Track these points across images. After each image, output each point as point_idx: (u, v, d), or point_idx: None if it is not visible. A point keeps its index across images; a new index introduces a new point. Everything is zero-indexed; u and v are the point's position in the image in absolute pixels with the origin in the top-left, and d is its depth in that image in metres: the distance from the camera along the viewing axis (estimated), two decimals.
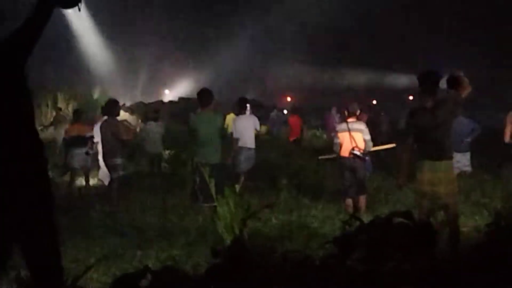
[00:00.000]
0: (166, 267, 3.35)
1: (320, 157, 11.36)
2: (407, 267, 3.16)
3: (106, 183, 11.44)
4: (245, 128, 12.01)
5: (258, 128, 12.57)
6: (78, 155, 12.92)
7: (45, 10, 3.86)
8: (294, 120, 20.55)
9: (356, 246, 3.26)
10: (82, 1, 4.11)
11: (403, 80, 38.30)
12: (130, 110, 23.46)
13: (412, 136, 6.96)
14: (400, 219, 3.36)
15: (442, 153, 6.69)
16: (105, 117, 11.42)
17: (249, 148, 12.07)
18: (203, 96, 9.29)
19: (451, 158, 6.85)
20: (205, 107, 9.25)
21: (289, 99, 43.62)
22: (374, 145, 10.65)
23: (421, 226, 3.30)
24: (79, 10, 4.13)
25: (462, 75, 6.83)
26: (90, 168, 13.61)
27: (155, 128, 15.60)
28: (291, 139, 20.18)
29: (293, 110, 21.92)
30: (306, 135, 23.36)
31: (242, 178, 11.73)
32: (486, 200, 10.76)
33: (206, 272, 3.47)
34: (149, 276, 3.22)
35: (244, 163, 11.98)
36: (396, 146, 11.43)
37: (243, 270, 3.43)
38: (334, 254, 3.41)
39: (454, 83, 6.71)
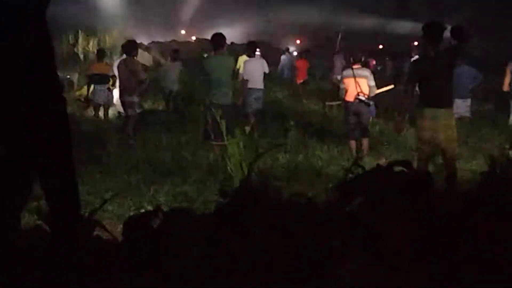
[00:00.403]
0: (176, 208, 3.34)
1: (327, 103, 11.30)
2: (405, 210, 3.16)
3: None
4: (255, 70, 12.02)
5: (267, 70, 12.55)
6: (101, 91, 13.11)
7: None
8: (301, 63, 20.63)
9: (356, 194, 3.25)
10: None
11: (408, 26, 37.66)
12: (148, 49, 23.22)
13: (414, 83, 6.91)
14: (399, 168, 3.34)
15: (443, 101, 6.69)
16: (124, 56, 11.39)
17: (259, 89, 12.13)
18: (216, 40, 9.25)
19: (451, 105, 6.83)
20: (217, 50, 9.21)
21: (298, 41, 43.11)
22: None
23: (419, 174, 3.29)
24: None
25: (462, 26, 6.76)
26: (111, 103, 13.79)
27: (173, 67, 15.66)
28: (299, 81, 20.11)
29: (300, 53, 21.89)
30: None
31: (253, 119, 11.77)
32: (482, 144, 10.77)
33: (214, 212, 3.47)
34: (160, 215, 3.22)
35: (254, 103, 12.03)
36: (399, 91, 11.35)
37: (249, 212, 3.44)
38: (336, 199, 3.41)
39: (457, 34, 6.62)
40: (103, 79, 13.08)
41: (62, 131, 3.81)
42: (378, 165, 3.40)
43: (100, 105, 13.70)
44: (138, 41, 14.29)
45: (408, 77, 7.05)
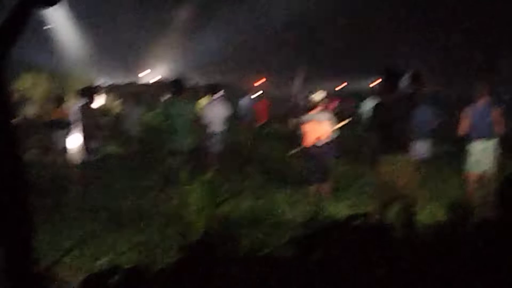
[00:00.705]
0: (133, 268, 3.30)
1: (290, 153, 11.33)
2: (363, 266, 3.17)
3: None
4: (216, 113, 12.01)
5: (228, 114, 12.56)
6: (61, 137, 12.86)
7: (26, 10, 3.76)
8: (260, 105, 20.75)
9: (315, 248, 3.26)
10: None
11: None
12: (107, 92, 23.23)
13: (373, 129, 6.99)
14: (358, 222, 3.37)
15: (401, 147, 6.75)
16: (82, 102, 11.34)
17: (219, 132, 12.09)
18: (175, 85, 9.28)
19: (409, 152, 6.91)
20: (177, 95, 9.22)
21: (259, 82, 43.53)
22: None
23: (378, 228, 3.31)
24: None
25: (419, 72, 6.91)
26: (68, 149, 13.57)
27: (134, 111, 15.68)
28: (258, 124, 20.25)
29: (260, 95, 22.05)
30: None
31: (215, 162, 11.78)
32: (442, 185, 10.92)
33: (172, 267, 3.45)
34: (118, 274, 3.18)
35: (214, 147, 12.00)
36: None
37: (208, 268, 3.42)
38: (295, 254, 3.41)
39: (415, 79, 6.76)
40: (62, 124, 12.82)
41: (19, 190, 3.77)
42: (336, 220, 3.42)
43: (59, 150, 13.34)
44: (97, 83, 14.25)
45: (368, 123, 7.15)
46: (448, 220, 7.08)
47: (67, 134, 12.55)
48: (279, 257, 3.70)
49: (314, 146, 9.92)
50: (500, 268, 3.18)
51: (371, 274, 3.15)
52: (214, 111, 11.98)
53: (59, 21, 32.10)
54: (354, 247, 3.20)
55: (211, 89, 12.63)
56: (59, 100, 13.91)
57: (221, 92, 13.05)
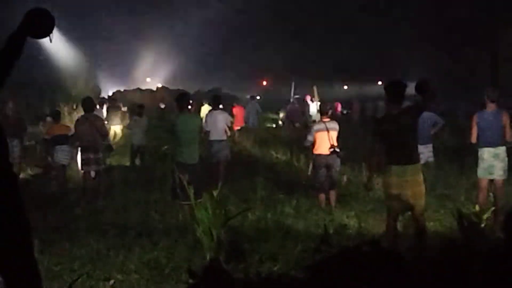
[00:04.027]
0: None
1: (309, 173, 11.38)
2: None
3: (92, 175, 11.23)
4: (217, 122, 12.31)
5: (229, 123, 12.87)
6: (62, 152, 12.68)
7: (19, 41, 3.83)
8: (237, 110, 21.80)
9: (326, 275, 3.27)
10: (53, 32, 4.10)
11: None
12: (114, 101, 23.33)
13: (379, 142, 6.98)
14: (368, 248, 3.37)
15: (408, 158, 6.75)
16: (83, 113, 11.39)
17: (220, 140, 12.35)
18: (181, 100, 9.32)
19: (417, 161, 6.90)
20: (183, 109, 9.28)
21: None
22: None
23: (388, 254, 3.32)
24: (51, 41, 4.11)
25: (428, 81, 6.87)
26: (70, 164, 13.46)
27: (139, 123, 15.76)
28: (235, 128, 20.70)
29: (235, 101, 22.99)
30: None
31: (221, 171, 11.90)
32: (449, 191, 10.91)
33: None
34: None
35: (218, 154, 12.29)
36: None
37: None
38: (307, 279, 3.42)
39: (421, 89, 6.73)
40: (63, 139, 12.61)
41: (15, 213, 3.77)
42: (347, 246, 3.43)
43: (63, 165, 13.15)
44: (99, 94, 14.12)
45: (373, 136, 7.13)
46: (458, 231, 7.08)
47: (67, 149, 12.46)
48: (288, 281, 3.71)
49: (327, 155, 10.00)
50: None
51: None
52: (214, 119, 12.33)
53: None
54: (364, 276, 3.21)
55: (213, 101, 12.95)
56: (59, 116, 13.69)
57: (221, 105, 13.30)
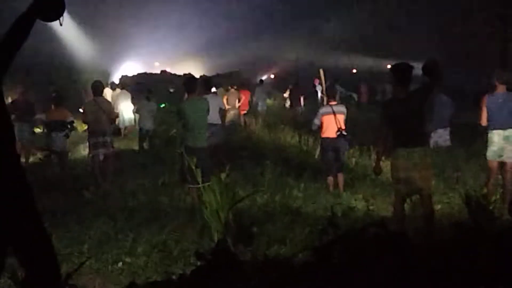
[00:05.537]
0: (149, 284, 3.31)
1: (316, 157, 11.31)
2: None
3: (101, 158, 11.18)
4: (211, 106, 11.97)
5: (222, 106, 12.80)
6: (55, 139, 12.38)
7: (27, 23, 3.80)
8: (243, 94, 21.60)
9: (331, 256, 3.25)
10: (64, 15, 4.06)
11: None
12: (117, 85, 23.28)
13: (387, 126, 6.95)
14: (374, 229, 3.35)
15: (416, 141, 6.71)
16: (92, 97, 11.36)
17: (215, 124, 11.93)
18: (189, 84, 9.31)
19: (425, 144, 6.88)
20: (191, 94, 9.26)
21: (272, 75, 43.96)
22: None
23: (395, 237, 3.30)
24: (61, 24, 4.07)
25: (436, 61, 6.81)
26: (68, 150, 13.31)
27: (148, 107, 15.79)
28: (242, 113, 21.13)
29: (242, 85, 22.86)
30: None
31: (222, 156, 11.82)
32: (458, 174, 10.86)
33: (189, 275, 3.46)
34: None
35: (211, 138, 11.95)
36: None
37: (225, 275, 3.42)
38: (312, 261, 3.40)
39: (429, 71, 6.67)
40: (61, 125, 12.50)
41: (19, 190, 3.76)
42: (352, 228, 3.41)
43: (57, 152, 12.50)
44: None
45: (381, 120, 7.08)
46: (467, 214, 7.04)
47: (66, 134, 12.29)
48: (295, 263, 3.69)
49: (334, 138, 10.01)
50: None
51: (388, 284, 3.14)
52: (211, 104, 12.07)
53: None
54: (370, 257, 3.19)
55: (204, 85, 12.69)
56: (59, 100, 13.08)
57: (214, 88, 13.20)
